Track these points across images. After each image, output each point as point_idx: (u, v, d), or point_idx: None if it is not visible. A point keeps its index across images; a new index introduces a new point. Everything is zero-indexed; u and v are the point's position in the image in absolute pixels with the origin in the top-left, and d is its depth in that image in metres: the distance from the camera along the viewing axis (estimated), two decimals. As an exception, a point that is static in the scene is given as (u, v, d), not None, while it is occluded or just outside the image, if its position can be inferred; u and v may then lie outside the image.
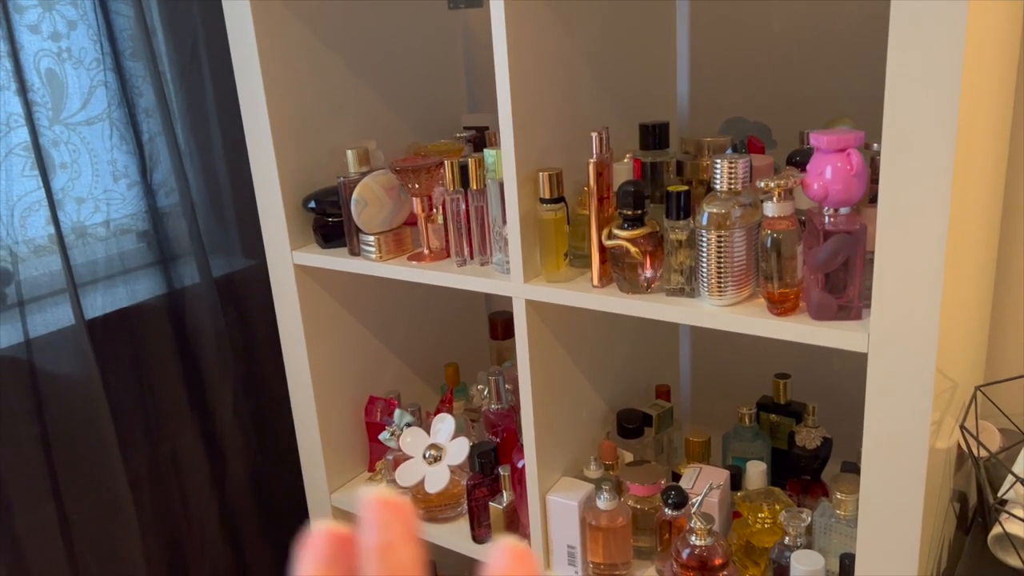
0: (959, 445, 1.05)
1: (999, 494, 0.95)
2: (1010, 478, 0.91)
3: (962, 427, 0.99)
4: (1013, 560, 0.95)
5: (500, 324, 1.55)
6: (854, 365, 0.92)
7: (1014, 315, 1.22)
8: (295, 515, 1.68)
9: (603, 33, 1.17)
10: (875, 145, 1.00)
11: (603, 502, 1.15)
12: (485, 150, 1.12)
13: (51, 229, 1.41)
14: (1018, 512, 0.92)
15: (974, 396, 1.04)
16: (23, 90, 1.36)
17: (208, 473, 1.64)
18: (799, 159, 1.07)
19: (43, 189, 1.39)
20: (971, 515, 1.15)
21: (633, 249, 1.00)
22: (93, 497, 1.44)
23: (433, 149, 1.29)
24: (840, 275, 0.90)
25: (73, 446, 1.41)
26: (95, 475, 1.44)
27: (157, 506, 1.56)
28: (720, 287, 0.95)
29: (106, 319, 1.49)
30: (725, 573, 1.07)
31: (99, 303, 1.50)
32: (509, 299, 1.12)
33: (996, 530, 0.96)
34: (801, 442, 1.24)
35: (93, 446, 1.43)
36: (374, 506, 0.32)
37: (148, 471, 1.55)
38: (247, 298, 1.68)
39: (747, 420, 1.27)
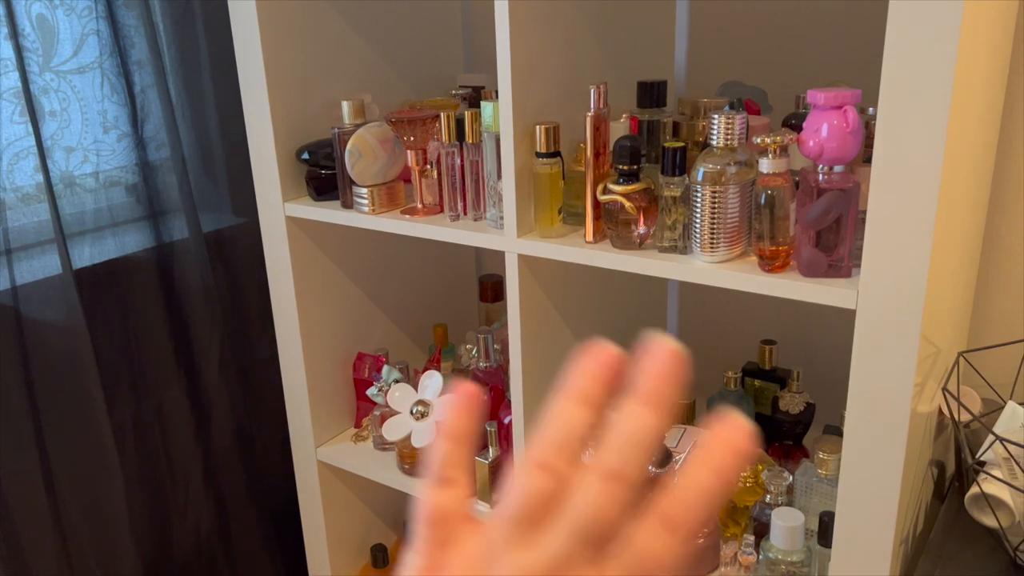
0: (940, 410, 1.07)
1: (978, 455, 0.97)
2: (989, 438, 0.92)
3: (944, 390, 1.00)
4: (989, 520, 0.97)
5: (490, 287, 1.56)
6: (840, 333, 0.93)
7: (998, 284, 1.24)
8: (279, 471, 1.69)
9: (603, -9, 1.17)
10: (870, 109, 1.01)
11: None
12: (482, 103, 1.12)
13: (39, 177, 1.40)
14: (996, 472, 0.94)
15: (956, 362, 1.06)
16: (14, 34, 1.34)
17: (193, 428, 1.64)
18: (794, 122, 1.08)
19: (32, 136, 1.38)
20: (948, 483, 1.17)
21: (627, 204, 1.01)
22: (77, 447, 1.44)
23: (428, 104, 1.29)
24: (831, 233, 0.90)
25: (58, 395, 1.41)
26: (80, 425, 1.43)
27: (141, 459, 1.56)
28: (712, 243, 0.96)
29: (94, 270, 1.48)
30: (706, 531, 1.08)
31: (87, 254, 1.49)
32: (499, 262, 1.12)
33: (974, 490, 0.97)
34: (784, 407, 1.26)
35: (78, 396, 1.43)
36: (660, 357, 0.31)
37: (133, 424, 1.54)
38: (236, 255, 1.67)
39: (732, 384, 1.28)
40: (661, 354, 0.31)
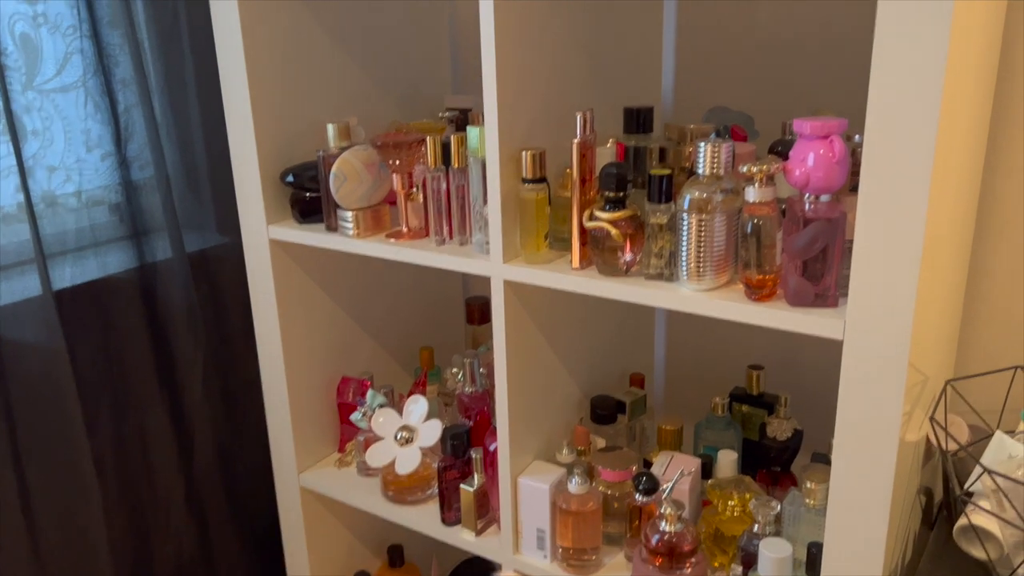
0: (928, 438, 1.06)
1: (966, 486, 0.96)
2: (977, 469, 0.92)
3: (932, 419, 1.00)
4: (978, 552, 0.96)
5: (476, 309, 1.54)
6: (827, 359, 0.93)
7: (984, 311, 1.24)
8: (262, 495, 1.66)
9: (591, 17, 1.17)
10: (856, 137, 1.00)
11: (574, 486, 1.14)
12: (468, 127, 1.11)
13: (20, 197, 1.38)
14: (984, 504, 0.94)
15: (944, 390, 1.06)
16: (-4, 53, 1.33)
17: (175, 451, 1.61)
18: (780, 149, 1.08)
19: (13, 155, 1.36)
20: (936, 510, 1.16)
21: (614, 231, 1.00)
22: (56, 469, 1.41)
23: (415, 127, 1.28)
24: (818, 262, 0.90)
25: (37, 417, 1.38)
26: (58, 447, 1.41)
27: (122, 482, 1.54)
28: (699, 271, 0.95)
29: (75, 291, 1.46)
30: (694, 560, 1.07)
31: (68, 274, 1.47)
32: (486, 284, 1.11)
33: (962, 521, 0.97)
34: (772, 433, 1.25)
35: (57, 418, 1.40)
36: None
37: (113, 446, 1.52)
38: (220, 275, 1.65)
39: (719, 410, 1.27)
40: None
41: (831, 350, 0.89)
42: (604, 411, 1.29)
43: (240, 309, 1.59)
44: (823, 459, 1.16)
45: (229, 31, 1.23)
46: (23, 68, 1.43)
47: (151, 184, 1.55)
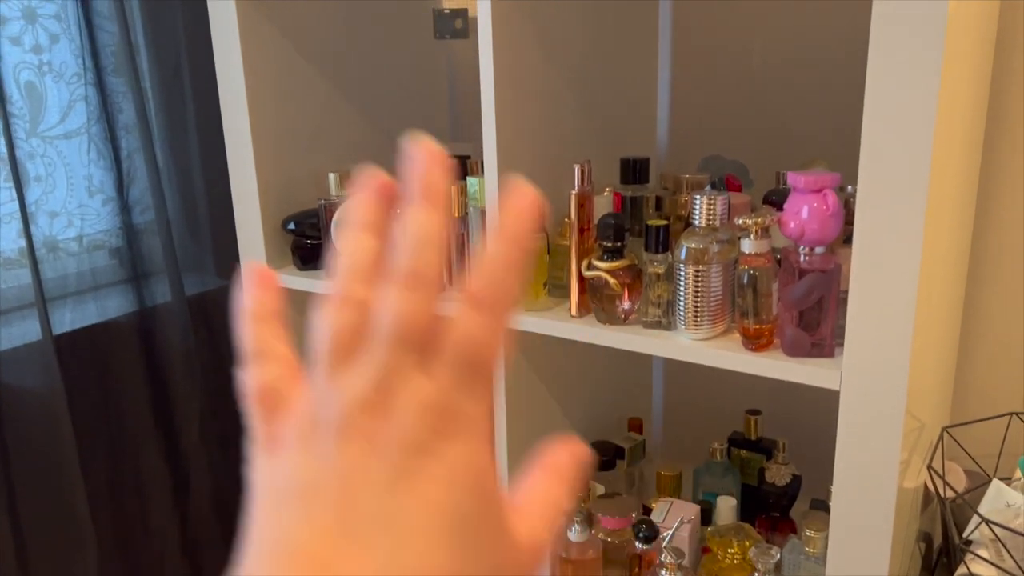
0: (926, 485, 1.07)
1: (964, 535, 0.96)
2: (975, 518, 0.92)
3: (930, 467, 1.00)
4: (977, 600, 0.96)
5: (475, 352, 1.55)
6: (824, 403, 0.94)
7: (979, 356, 1.25)
8: (259, 541, 1.65)
9: (588, 69, 1.19)
10: (850, 187, 1.02)
11: (574, 534, 1.14)
12: (468, 178, 1.13)
13: (22, 242, 1.39)
14: (983, 553, 0.94)
15: (941, 437, 1.06)
16: (1, 102, 1.35)
17: (171, 493, 1.60)
18: (775, 198, 1.10)
19: (16, 201, 1.38)
20: (936, 556, 1.16)
21: (612, 281, 1.01)
22: (51, 513, 1.41)
23: (415, 175, 1.30)
24: (814, 313, 0.91)
25: (33, 461, 1.38)
26: (54, 492, 1.40)
27: (117, 525, 1.53)
28: (696, 321, 0.96)
29: (74, 335, 1.47)
30: None
31: (68, 319, 1.48)
32: (486, 327, 1.12)
33: (961, 570, 0.97)
34: (771, 479, 1.25)
35: (54, 462, 1.40)
36: (420, 156, 0.31)
37: (109, 490, 1.51)
38: (219, 318, 1.66)
39: (718, 455, 1.28)
40: (421, 154, 0.31)
41: (828, 396, 0.90)
42: (603, 457, 1.29)
43: (239, 350, 1.59)
44: (822, 506, 1.16)
45: (232, 80, 1.25)
46: (27, 115, 1.45)
47: (152, 228, 1.57)
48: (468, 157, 1.44)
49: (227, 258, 1.56)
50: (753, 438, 1.31)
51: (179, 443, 1.61)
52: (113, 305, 1.54)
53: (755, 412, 1.31)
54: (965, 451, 1.12)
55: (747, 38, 1.32)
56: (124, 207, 1.55)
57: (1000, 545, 0.91)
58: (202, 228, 1.66)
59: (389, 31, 1.46)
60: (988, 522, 0.89)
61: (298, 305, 1.37)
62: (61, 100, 1.50)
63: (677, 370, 1.50)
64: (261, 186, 1.28)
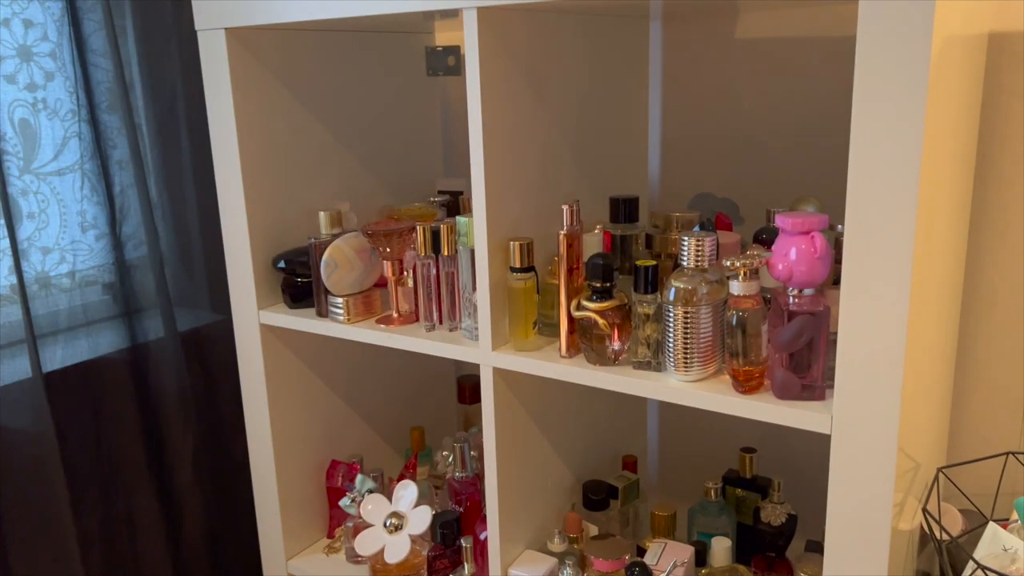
0: (922, 526, 1.05)
1: (961, 579, 0.94)
2: (971, 564, 0.90)
3: (924, 511, 0.99)
4: (976, 647, 0.94)
5: (468, 388, 1.54)
6: (820, 441, 0.92)
7: (975, 396, 1.24)
8: (251, 579, 1.63)
9: (578, 108, 1.20)
10: (839, 227, 1.02)
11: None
12: (458, 217, 1.13)
13: (13, 279, 1.39)
14: (980, 598, 0.92)
15: (936, 478, 1.05)
16: (-6, 139, 1.35)
17: (163, 533, 1.58)
18: (765, 236, 1.09)
19: (8, 239, 1.37)
20: (935, 597, 1.14)
21: (601, 321, 1.00)
22: (42, 554, 1.39)
23: (406, 213, 1.30)
24: (804, 355, 0.90)
25: (23, 502, 1.36)
26: (45, 532, 1.39)
27: (109, 566, 1.51)
28: (686, 363, 0.96)
29: (65, 372, 1.45)
30: (688, 654, 1.05)
31: (59, 356, 1.47)
32: (477, 364, 1.12)
33: (959, 616, 0.95)
34: (766, 518, 1.24)
35: (43, 503, 1.38)
36: None
37: (100, 530, 1.49)
38: (213, 354, 1.65)
39: (713, 495, 1.26)
40: None
41: (823, 435, 0.89)
42: (597, 496, 1.27)
43: (232, 388, 1.58)
44: (817, 547, 1.15)
45: (223, 119, 1.26)
46: (21, 153, 1.45)
47: (145, 263, 1.56)
48: (461, 193, 1.44)
49: (221, 293, 1.55)
50: (748, 476, 1.30)
51: (172, 482, 1.59)
52: (105, 342, 1.53)
53: (750, 450, 1.30)
54: (961, 491, 1.10)
55: (738, 76, 1.32)
56: (117, 243, 1.54)
57: (997, 591, 0.89)
58: (196, 263, 1.65)
59: (381, 69, 1.47)
60: (984, 568, 0.87)
61: (289, 343, 1.37)
62: (55, 137, 1.50)
63: (671, 408, 1.49)
64: (252, 225, 1.28)
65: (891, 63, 0.76)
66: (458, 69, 1.53)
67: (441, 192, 1.48)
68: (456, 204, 1.40)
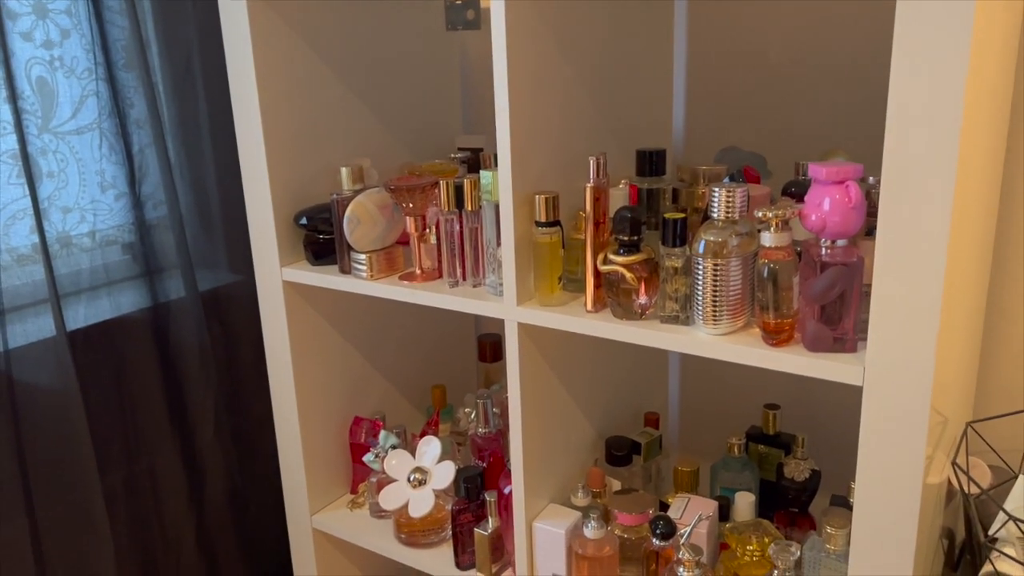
0: (949, 481, 1.05)
1: (990, 532, 0.94)
2: (1001, 516, 0.90)
3: (954, 463, 0.98)
4: (1003, 599, 0.94)
5: (488, 346, 1.54)
6: (844, 398, 0.92)
7: (1004, 351, 1.23)
8: (274, 536, 1.65)
9: (602, 60, 1.18)
10: (871, 178, 1.00)
11: (590, 531, 1.13)
12: (481, 171, 1.12)
13: (35, 238, 1.39)
14: (1008, 550, 0.92)
15: (965, 432, 1.04)
16: (13, 97, 1.34)
17: (186, 491, 1.60)
18: (794, 190, 1.08)
19: (29, 197, 1.37)
20: (959, 552, 1.14)
21: (628, 275, 1.00)
22: (67, 512, 1.40)
23: (428, 169, 1.29)
24: (836, 307, 0.89)
25: (49, 459, 1.38)
26: (70, 490, 1.40)
27: (133, 523, 1.53)
28: (715, 316, 0.95)
29: (88, 331, 1.46)
30: (713, 606, 1.05)
31: (81, 315, 1.47)
32: (498, 321, 1.11)
33: (987, 568, 0.95)
34: (790, 474, 1.24)
35: (69, 460, 1.40)
36: None
37: (125, 487, 1.51)
38: (233, 313, 1.65)
39: (736, 450, 1.26)
40: None
41: (848, 390, 0.88)
42: (619, 452, 1.28)
43: (252, 347, 1.59)
44: (842, 502, 1.15)
45: (244, 77, 1.24)
46: (39, 111, 1.44)
47: (164, 223, 1.56)
48: (481, 150, 1.43)
49: (240, 253, 1.55)
50: (771, 433, 1.30)
51: (194, 439, 1.60)
52: (127, 301, 1.54)
53: (773, 407, 1.29)
54: (990, 446, 1.10)
55: (765, 27, 1.29)
56: (136, 202, 1.54)
57: (1027, 543, 0.89)
58: (215, 223, 1.65)
59: (399, 24, 1.45)
60: (1015, 519, 0.87)
61: (312, 301, 1.37)
62: (72, 95, 1.49)
63: (694, 364, 1.48)
64: (273, 182, 1.27)
65: (934, 11, 0.74)
66: (477, 23, 1.50)
67: (461, 149, 1.46)
68: (476, 161, 1.39)
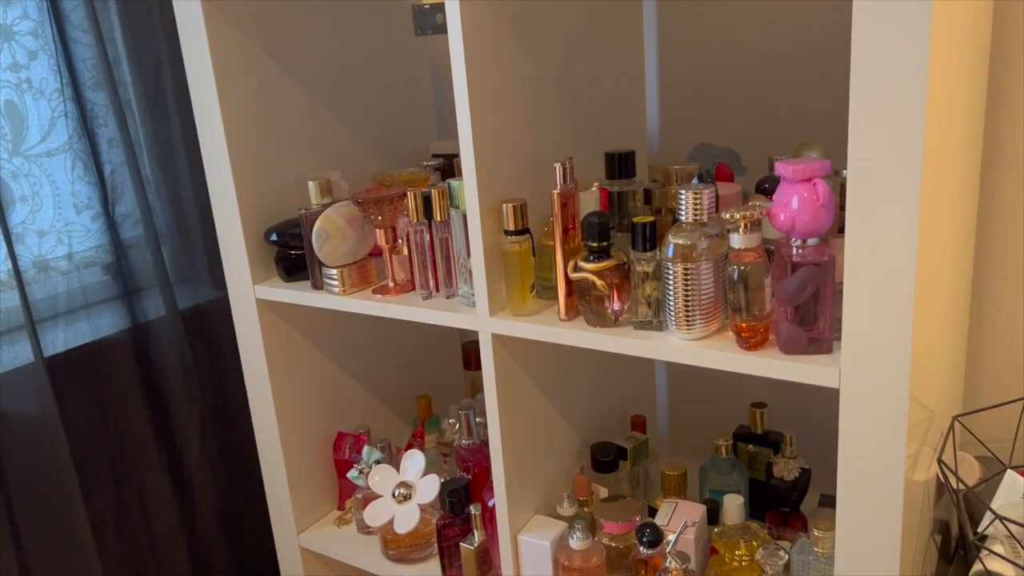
0: (938, 476, 1.02)
1: (979, 529, 0.92)
2: (988, 515, 0.88)
3: (940, 461, 0.96)
4: (995, 597, 0.92)
5: (474, 354, 1.52)
6: (831, 393, 0.90)
7: (991, 342, 1.20)
8: (267, 552, 1.63)
9: (568, 60, 1.15)
10: (844, 172, 0.98)
11: (576, 541, 1.11)
12: (448, 181, 1.10)
13: (9, 264, 1.37)
14: (997, 548, 0.90)
15: (952, 426, 1.02)
16: (-20, 123, 1.33)
17: (176, 512, 1.59)
18: (768, 186, 1.05)
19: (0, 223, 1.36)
20: (954, 545, 1.12)
21: (599, 282, 0.97)
22: (53, 540, 1.39)
23: (399, 178, 1.27)
24: (810, 307, 0.87)
25: (32, 489, 1.37)
26: (55, 518, 1.39)
27: (122, 547, 1.51)
28: (688, 320, 0.93)
29: (67, 355, 1.45)
30: (702, 613, 1.03)
31: (60, 339, 1.46)
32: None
33: (976, 567, 0.93)
34: (779, 473, 1.21)
35: (53, 488, 1.39)
36: None
37: (113, 511, 1.50)
38: (215, 330, 1.64)
39: (724, 452, 1.24)
40: None
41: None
42: (605, 458, 1.26)
43: (236, 363, 1.57)
44: (831, 502, 1.12)
45: (204, 90, 1.22)
46: (9, 135, 1.43)
47: (141, 242, 1.54)
48: (455, 156, 1.40)
49: (221, 268, 1.53)
50: (759, 432, 1.27)
51: (182, 458, 1.59)
52: (106, 323, 1.52)
53: (760, 405, 1.27)
54: (978, 439, 1.07)
55: (736, 21, 1.27)
56: (112, 222, 1.52)
57: (1015, 541, 0.87)
58: (193, 239, 1.63)
59: (366, 31, 1.43)
60: (1002, 519, 0.84)
61: (287, 317, 1.35)
62: (42, 117, 1.47)
63: (679, 366, 1.45)
64: (241, 198, 1.25)
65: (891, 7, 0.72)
66: (447, 27, 1.48)
67: (435, 155, 1.44)
68: (451, 167, 1.37)
